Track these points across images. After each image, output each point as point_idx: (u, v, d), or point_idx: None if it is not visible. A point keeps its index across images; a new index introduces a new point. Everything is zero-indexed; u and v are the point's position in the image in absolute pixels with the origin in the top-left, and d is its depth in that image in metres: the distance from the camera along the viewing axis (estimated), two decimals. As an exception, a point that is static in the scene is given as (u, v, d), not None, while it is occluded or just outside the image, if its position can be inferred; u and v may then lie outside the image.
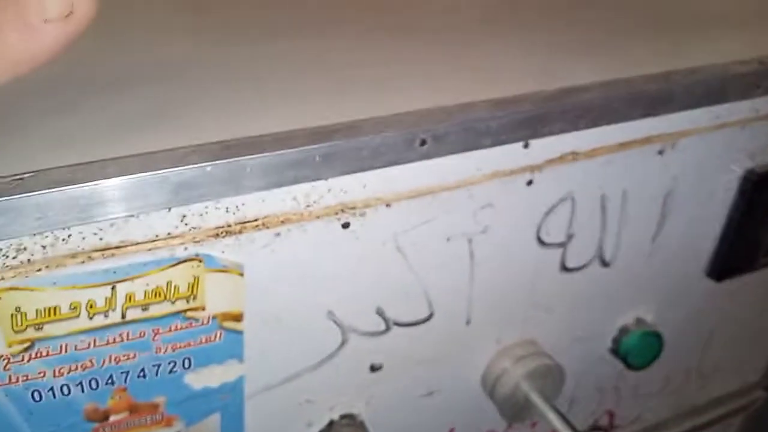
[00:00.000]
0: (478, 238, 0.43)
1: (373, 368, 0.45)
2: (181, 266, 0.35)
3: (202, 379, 0.39)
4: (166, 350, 0.37)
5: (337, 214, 0.38)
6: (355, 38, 0.49)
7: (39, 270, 0.32)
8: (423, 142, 0.37)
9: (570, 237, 0.47)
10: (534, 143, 0.41)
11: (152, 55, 0.45)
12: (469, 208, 0.41)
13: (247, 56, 0.45)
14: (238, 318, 0.38)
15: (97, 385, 0.36)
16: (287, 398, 0.43)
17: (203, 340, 0.38)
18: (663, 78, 0.44)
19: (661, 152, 0.47)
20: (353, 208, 0.38)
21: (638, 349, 0.55)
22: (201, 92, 0.39)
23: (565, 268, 0.49)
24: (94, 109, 0.37)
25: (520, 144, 0.41)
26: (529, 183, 0.43)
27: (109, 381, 0.36)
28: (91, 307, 0.34)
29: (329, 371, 0.43)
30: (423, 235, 0.41)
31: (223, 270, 0.36)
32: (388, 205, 0.39)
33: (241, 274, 0.37)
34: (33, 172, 0.30)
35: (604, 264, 0.50)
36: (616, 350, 0.56)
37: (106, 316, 0.35)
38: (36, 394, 0.35)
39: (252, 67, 0.43)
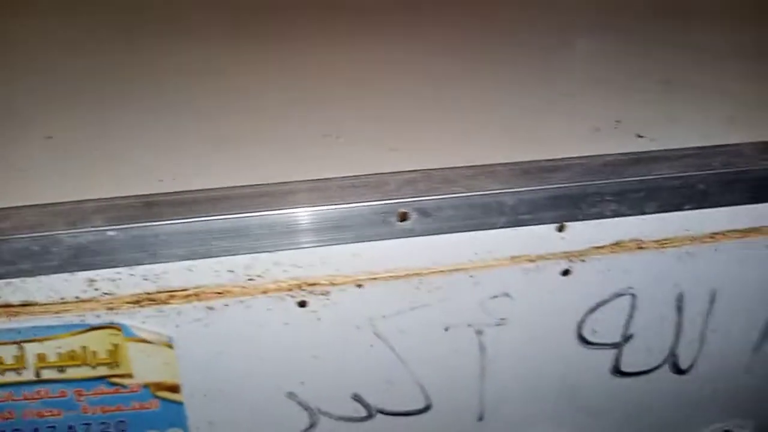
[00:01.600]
0: (490, 331, 0.33)
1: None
2: (95, 333, 0.30)
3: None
4: (94, 411, 0.33)
5: (291, 290, 0.30)
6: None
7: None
8: (404, 217, 0.28)
9: (627, 338, 0.36)
10: (573, 226, 0.30)
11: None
12: (474, 297, 0.32)
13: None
14: (174, 389, 0.32)
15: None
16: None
17: (137, 407, 0.33)
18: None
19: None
20: (312, 285, 0.30)
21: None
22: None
23: (619, 372, 0.37)
24: None
25: (552, 226, 0.30)
26: (565, 273, 0.32)
27: (35, 432, 0.33)
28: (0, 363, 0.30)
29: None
30: (411, 322, 0.32)
31: (146, 341, 0.30)
32: (359, 285, 0.30)
33: (171, 346, 0.31)
34: None
35: (679, 371, 0.38)
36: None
37: (18, 373, 0.31)
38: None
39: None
